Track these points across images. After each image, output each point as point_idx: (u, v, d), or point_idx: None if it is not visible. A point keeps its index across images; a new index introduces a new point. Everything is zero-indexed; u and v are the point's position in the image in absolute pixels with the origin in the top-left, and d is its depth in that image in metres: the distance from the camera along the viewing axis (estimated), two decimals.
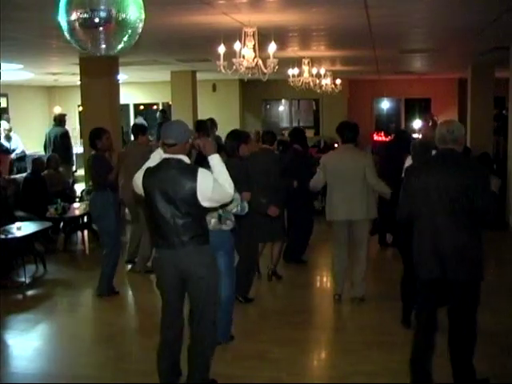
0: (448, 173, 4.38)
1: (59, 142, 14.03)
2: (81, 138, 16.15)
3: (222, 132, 9.94)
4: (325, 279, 8.21)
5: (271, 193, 7.02)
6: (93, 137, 7.29)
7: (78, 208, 10.31)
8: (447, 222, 4.37)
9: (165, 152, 4.41)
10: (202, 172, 4.29)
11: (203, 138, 8.92)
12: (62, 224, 10.12)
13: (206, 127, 9.57)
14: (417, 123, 18.16)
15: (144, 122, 14.45)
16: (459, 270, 4.38)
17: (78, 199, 11.47)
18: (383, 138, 19.39)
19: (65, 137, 14.28)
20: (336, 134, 7.08)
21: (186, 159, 4.40)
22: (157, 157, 4.53)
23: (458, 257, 4.37)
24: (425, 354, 4.56)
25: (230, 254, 5.44)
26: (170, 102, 17.61)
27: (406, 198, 4.59)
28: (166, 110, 19.64)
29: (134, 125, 8.84)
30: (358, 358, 5.42)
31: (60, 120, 14.40)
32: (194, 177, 4.25)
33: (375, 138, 19.92)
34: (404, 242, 5.61)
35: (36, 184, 10.18)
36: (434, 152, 5.12)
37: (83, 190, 11.73)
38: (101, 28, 3.51)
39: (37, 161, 10.69)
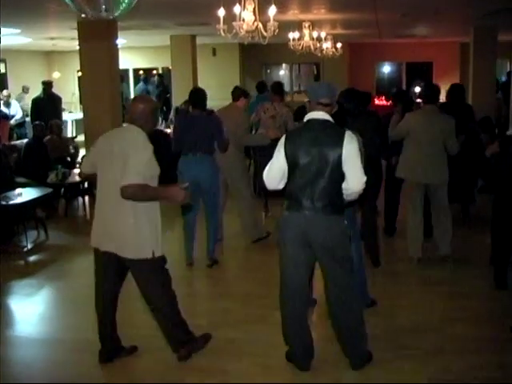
0: None
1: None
2: (80, 103, 16.08)
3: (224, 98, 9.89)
4: None
5: None
6: (203, 97, 6.99)
7: (78, 174, 10.30)
8: None
9: (310, 111, 4.30)
10: (348, 136, 4.18)
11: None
12: (62, 190, 10.11)
13: (282, 90, 9.32)
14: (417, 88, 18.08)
15: None
16: None
17: (78, 165, 11.44)
18: (384, 103, 19.29)
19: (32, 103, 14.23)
20: (419, 95, 7.02)
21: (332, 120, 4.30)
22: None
23: None
24: None
25: (350, 217, 5.08)
26: (170, 67, 17.49)
27: None
28: (164, 75, 19.57)
29: (237, 87, 8.28)
30: None
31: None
32: (342, 137, 4.14)
33: (376, 102, 19.81)
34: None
35: (37, 149, 10.16)
36: None
37: (83, 156, 11.69)
38: None
39: (38, 126, 10.65)
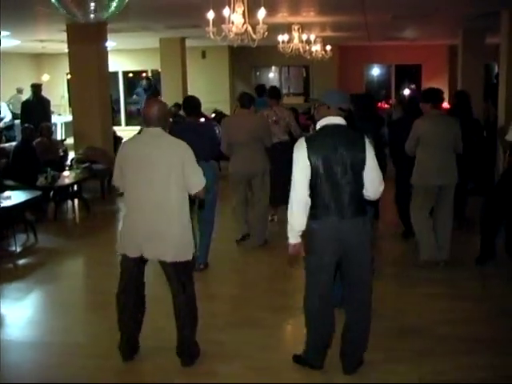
0: None
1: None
2: (69, 106, 16.03)
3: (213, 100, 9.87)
4: None
5: None
6: (196, 104, 6.94)
7: (67, 177, 10.27)
8: None
9: (323, 117, 4.30)
10: (367, 141, 4.24)
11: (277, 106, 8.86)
12: (52, 193, 10.07)
13: (278, 94, 9.27)
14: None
15: None
16: None
17: (67, 168, 11.41)
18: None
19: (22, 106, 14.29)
20: (423, 99, 6.96)
21: None
22: None
23: None
24: None
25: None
26: (159, 70, 17.47)
27: None
28: (151, 78, 19.59)
29: (247, 93, 8.13)
30: None
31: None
32: (363, 143, 4.20)
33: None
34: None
35: (26, 152, 10.12)
36: None
37: (73, 159, 11.68)
38: None
39: (27, 129, 10.61)
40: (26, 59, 20.02)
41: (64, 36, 11.92)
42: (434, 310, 5.77)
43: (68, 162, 11.93)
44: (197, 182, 4.52)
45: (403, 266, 6.96)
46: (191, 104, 6.98)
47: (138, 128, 17.44)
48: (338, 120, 4.27)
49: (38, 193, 8.80)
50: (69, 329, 5.55)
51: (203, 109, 7.97)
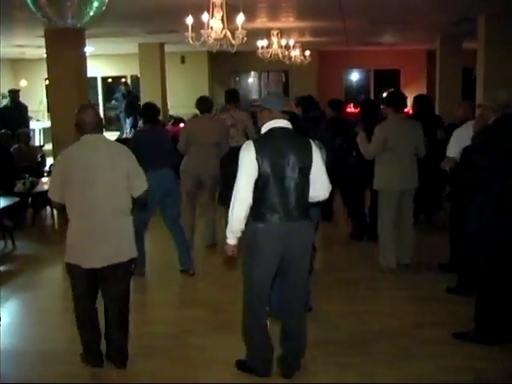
0: None
1: None
2: (48, 111, 15.92)
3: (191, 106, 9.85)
4: None
5: None
6: (154, 111, 6.98)
7: (46, 183, 10.19)
8: None
9: (268, 121, 4.28)
10: (314, 145, 4.30)
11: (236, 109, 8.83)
12: (30, 199, 9.98)
13: (237, 97, 9.07)
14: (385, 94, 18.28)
15: None
16: None
17: (46, 174, 11.33)
18: (353, 110, 19.37)
19: None
20: (385, 103, 7.00)
21: None
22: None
23: None
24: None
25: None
26: (139, 75, 17.44)
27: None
28: (132, 83, 19.56)
29: (208, 98, 8.08)
30: (325, 326, 5.47)
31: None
32: (309, 145, 4.25)
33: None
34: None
35: (3, 159, 10.02)
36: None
37: (51, 165, 11.59)
38: None
39: (3, 135, 10.52)
40: (3, 65, 19.86)
41: (42, 41, 11.84)
42: (412, 313, 5.80)
43: (46, 168, 11.83)
44: (139, 184, 4.60)
45: (375, 269, 7.00)
46: (146, 112, 6.99)
47: (116, 134, 17.43)
48: (284, 123, 4.28)
49: (16, 199, 8.72)
50: (46, 336, 5.49)
51: (182, 114, 7.99)
